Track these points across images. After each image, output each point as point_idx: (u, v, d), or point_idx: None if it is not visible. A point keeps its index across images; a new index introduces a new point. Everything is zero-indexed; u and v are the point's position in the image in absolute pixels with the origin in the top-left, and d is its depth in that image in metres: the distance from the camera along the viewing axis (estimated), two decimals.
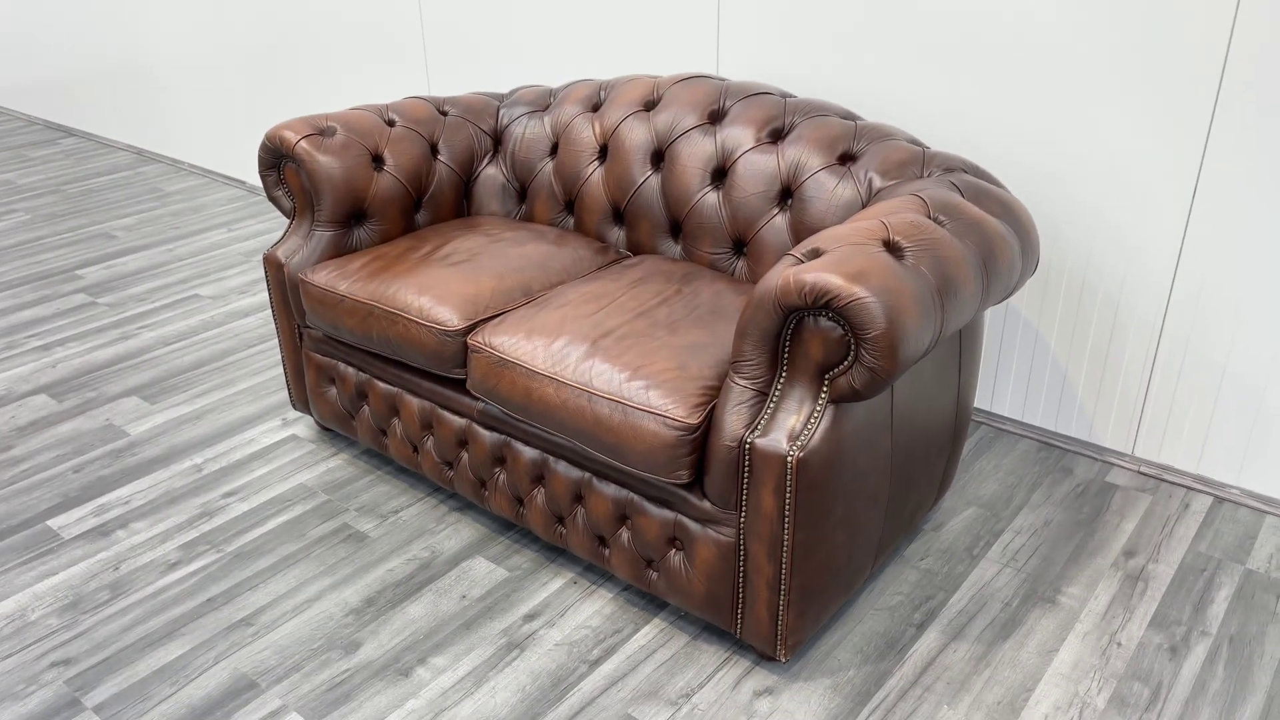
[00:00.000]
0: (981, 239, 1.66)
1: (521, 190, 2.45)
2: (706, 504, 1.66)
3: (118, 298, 3.25)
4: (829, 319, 1.48)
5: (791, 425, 1.54)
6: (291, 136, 2.19)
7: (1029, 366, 2.35)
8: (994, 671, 1.72)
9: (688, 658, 1.77)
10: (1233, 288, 2.02)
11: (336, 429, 2.32)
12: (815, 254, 1.54)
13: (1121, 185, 2.08)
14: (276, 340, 2.52)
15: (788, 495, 1.54)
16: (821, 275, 1.45)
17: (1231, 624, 1.82)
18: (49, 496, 2.24)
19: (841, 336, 1.48)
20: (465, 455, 2.02)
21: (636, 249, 2.26)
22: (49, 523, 2.15)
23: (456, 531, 2.10)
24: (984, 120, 2.20)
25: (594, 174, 2.30)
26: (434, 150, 2.38)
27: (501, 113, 2.49)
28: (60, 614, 1.89)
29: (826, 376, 1.53)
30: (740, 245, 2.11)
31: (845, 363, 1.50)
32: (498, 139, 2.47)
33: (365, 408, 2.21)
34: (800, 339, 1.53)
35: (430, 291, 1.96)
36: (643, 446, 1.63)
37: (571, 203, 2.36)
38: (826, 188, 1.97)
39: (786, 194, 2.04)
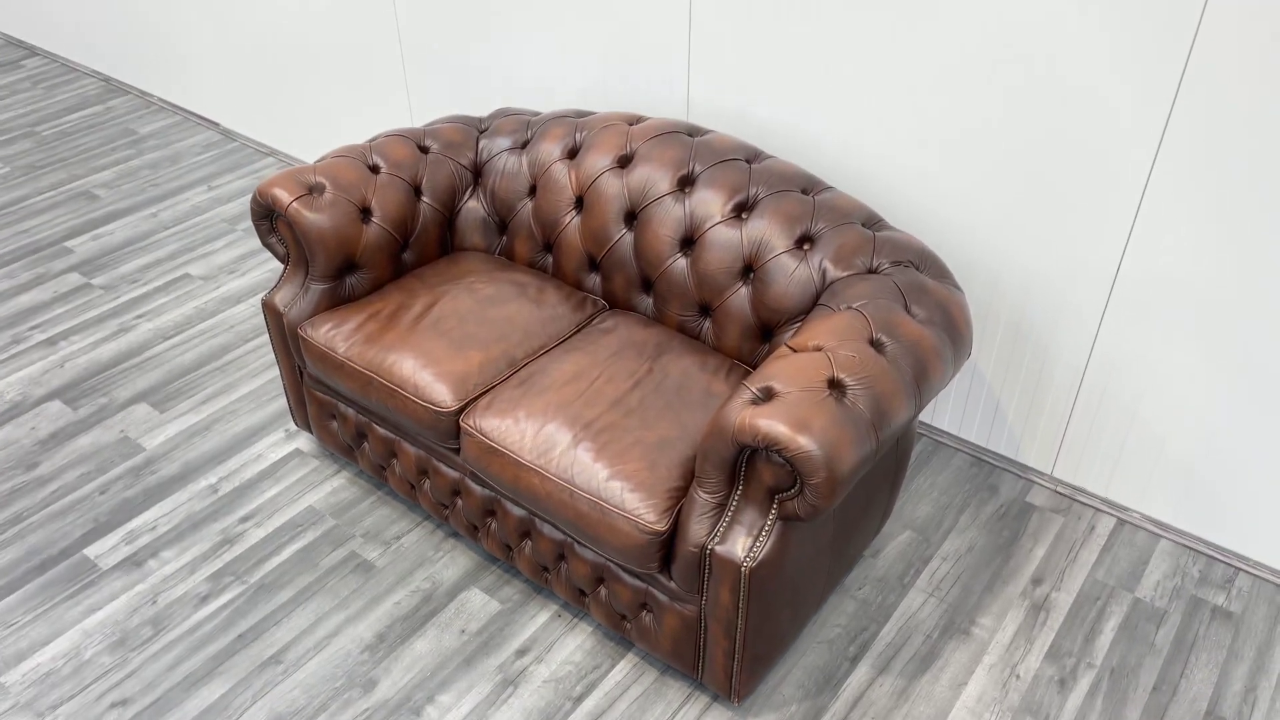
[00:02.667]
0: (917, 362, 1.87)
1: (502, 224, 2.59)
2: (673, 585, 1.93)
3: (110, 279, 3.38)
4: (779, 458, 1.71)
5: (745, 539, 1.80)
6: (284, 197, 2.31)
7: (967, 388, 2.60)
8: (912, 706, 2.06)
9: (657, 693, 2.09)
10: (1149, 349, 2.25)
11: (338, 454, 2.56)
12: (769, 394, 1.75)
13: (1055, 245, 2.27)
14: (275, 364, 2.71)
15: (742, 594, 1.82)
16: (772, 426, 1.67)
17: (1114, 655, 2.16)
18: (81, 522, 2.48)
19: (790, 472, 1.72)
20: (459, 502, 2.28)
21: (612, 299, 2.44)
22: (85, 551, 2.41)
23: (453, 560, 2.38)
24: (932, 181, 2.36)
25: (571, 223, 2.44)
26: (417, 192, 2.50)
27: (481, 145, 2.59)
28: (111, 651, 2.18)
29: (777, 497, 1.78)
30: (706, 309, 2.30)
31: (792, 490, 1.74)
32: (478, 172, 2.59)
33: (366, 445, 2.44)
34: (754, 466, 1.77)
35: (425, 368, 2.16)
36: (618, 542, 1.89)
37: (550, 245, 2.51)
38: (786, 270, 2.15)
39: (749, 268, 2.22)
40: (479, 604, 2.27)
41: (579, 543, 2.06)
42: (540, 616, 2.25)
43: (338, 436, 2.49)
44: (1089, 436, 2.45)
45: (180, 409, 2.83)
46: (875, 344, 1.88)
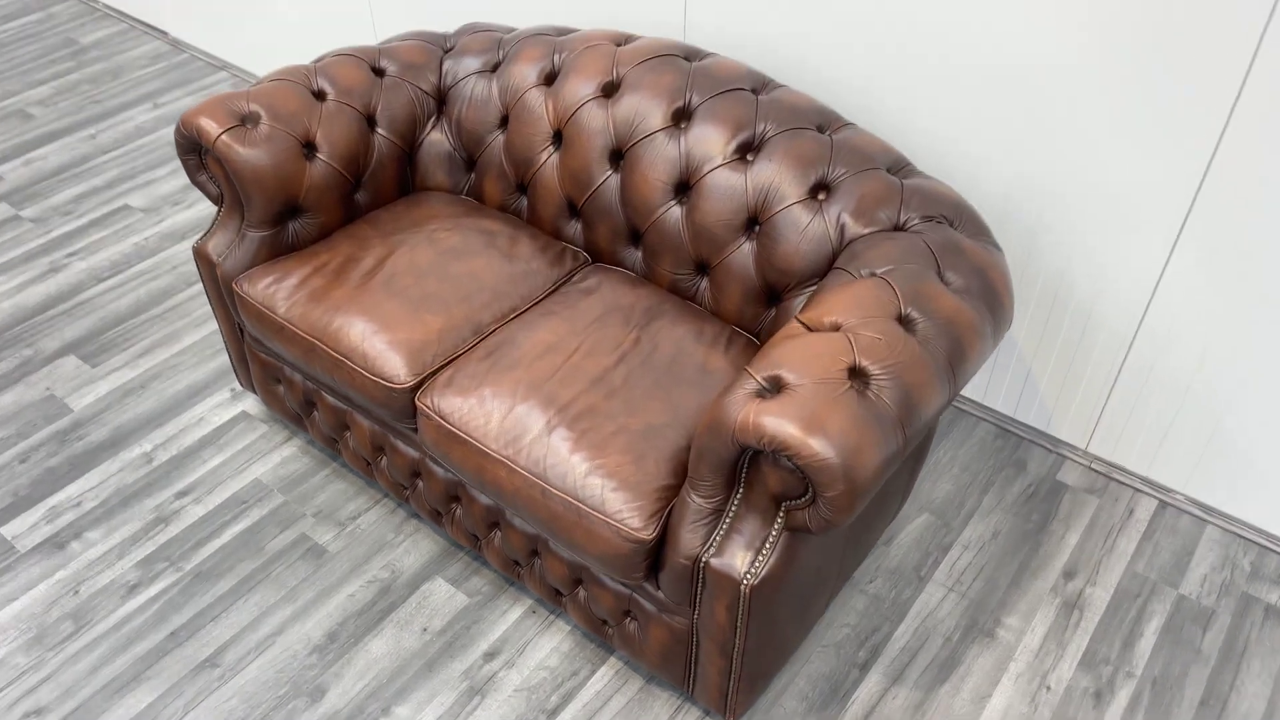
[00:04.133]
0: (952, 343, 1.57)
1: (470, 160, 2.26)
2: (661, 595, 1.67)
3: (41, 210, 3.04)
4: (788, 463, 1.43)
5: (745, 552, 1.53)
6: (211, 129, 1.97)
7: (995, 355, 2.31)
8: None
9: (641, 705, 1.85)
10: (1207, 320, 1.96)
11: (287, 422, 2.27)
12: (777, 384, 1.46)
13: (1108, 205, 1.95)
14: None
15: (740, 612, 1.56)
16: (781, 426, 1.39)
17: (1156, 663, 1.92)
18: None
19: (801, 479, 1.45)
20: (420, 484, 2.00)
21: (595, 252, 2.13)
22: (1, 531, 2.14)
23: (415, 545, 2.11)
24: (972, 121, 2.02)
25: (548, 161, 2.12)
26: (371, 122, 2.16)
27: (445, 68, 2.24)
28: (26, 650, 1.93)
29: (784, 505, 1.50)
30: (703, 267, 1.99)
31: (803, 499, 1.47)
32: (442, 99, 2.25)
33: (316, 414, 2.15)
34: (758, 469, 1.49)
35: (376, 334, 1.86)
36: (597, 550, 1.62)
37: (524, 185, 2.18)
38: (798, 225, 1.84)
39: (754, 221, 1.90)
40: (443, 597, 2.02)
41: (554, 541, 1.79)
42: (512, 613, 1.99)
43: (285, 402, 2.20)
44: (1132, 410, 2.17)
45: (114, 363, 2.53)
46: (904, 320, 1.58)
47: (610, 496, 1.61)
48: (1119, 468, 2.26)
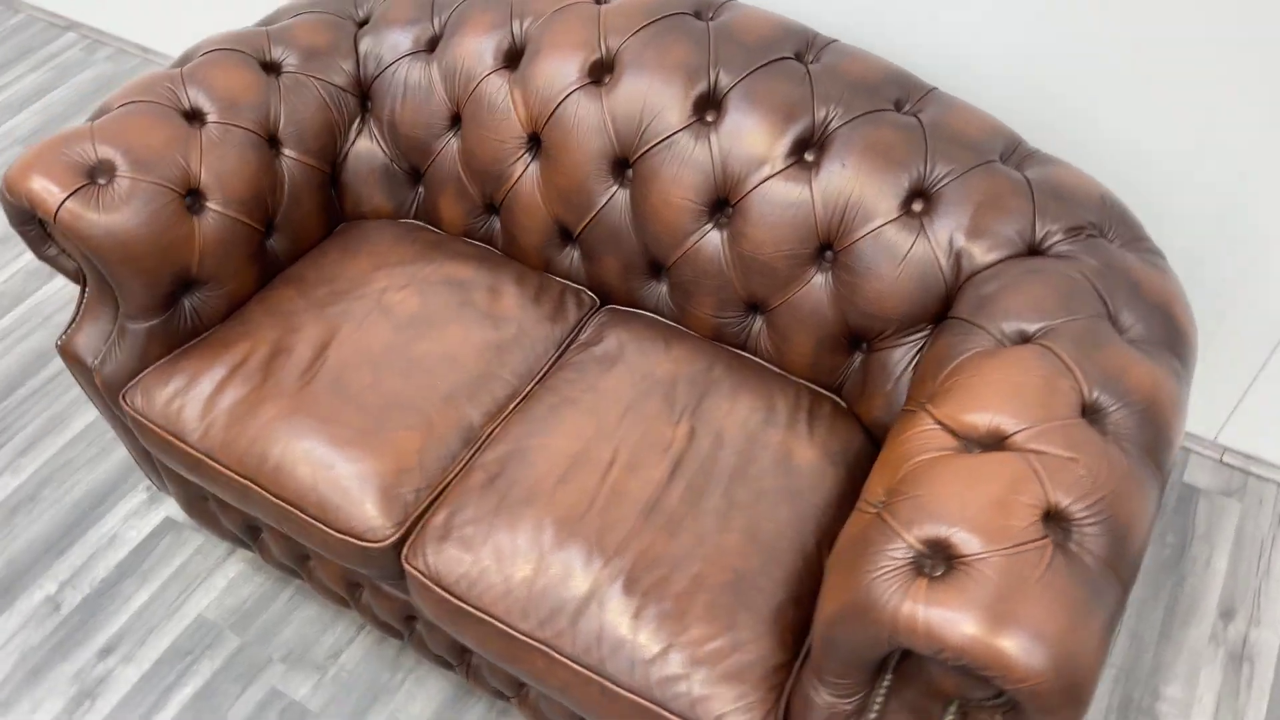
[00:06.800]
0: (1156, 431, 1.12)
1: (414, 171, 1.69)
2: None
3: None
4: (976, 672, 0.99)
5: None
6: (48, 195, 1.38)
7: None
8: None
9: None
10: None
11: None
12: (945, 553, 1.00)
13: (1264, 169, 1.48)
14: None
15: None
16: (964, 636, 0.94)
17: None
18: None
19: (991, 686, 1.01)
20: (419, 628, 1.53)
21: (602, 288, 1.60)
22: None
23: (420, 685, 1.66)
24: (1088, 70, 1.51)
25: (526, 174, 1.57)
26: (273, 143, 1.58)
27: (364, 49, 1.65)
28: None
29: (958, 702, 1.07)
30: (757, 306, 1.49)
31: (993, 702, 1.04)
32: (365, 93, 1.66)
33: (264, 538, 1.65)
34: (925, 670, 1.05)
35: (331, 467, 1.34)
36: None
37: (496, 206, 1.64)
38: (891, 253, 1.34)
39: (826, 247, 1.40)
40: None
41: None
42: None
43: (220, 523, 1.69)
44: (1276, 398, 1.76)
45: None
46: (1090, 412, 1.12)
47: (704, 694, 1.16)
48: (1256, 459, 1.87)
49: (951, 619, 0.96)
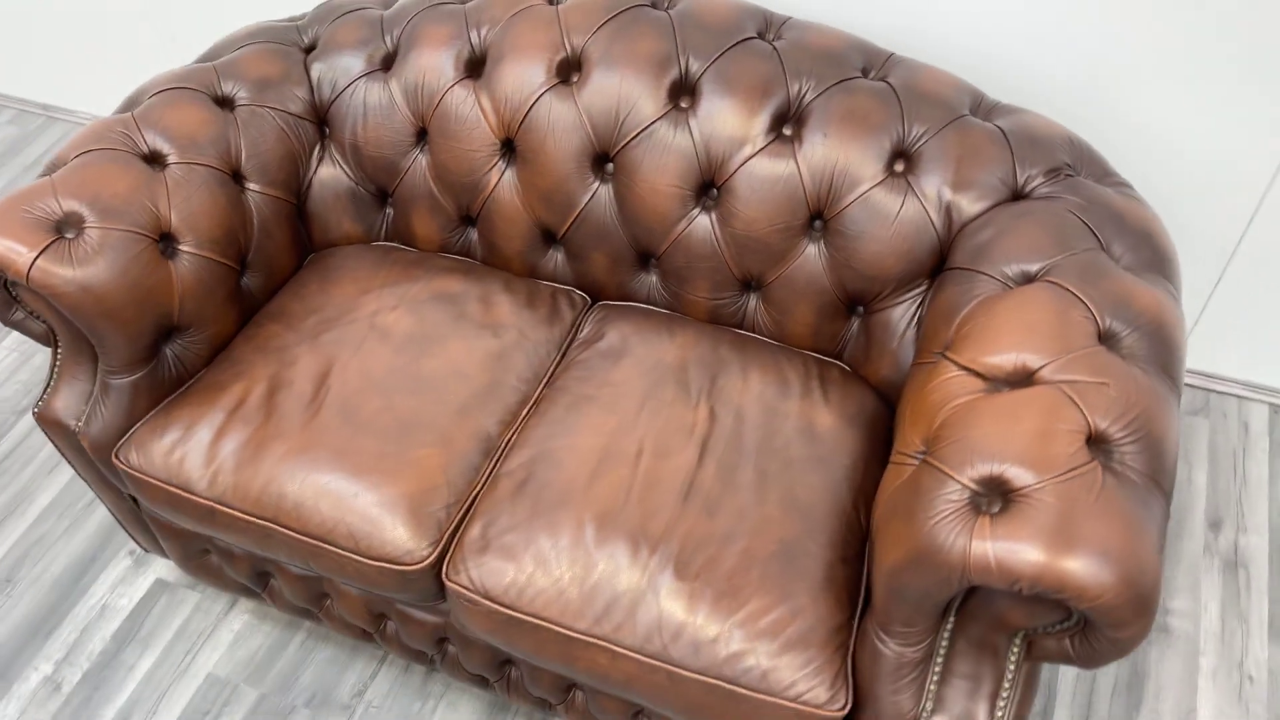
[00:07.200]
0: (1165, 348, 1.17)
1: (381, 193, 1.67)
2: None
3: None
4: (1050, 598, 1.02)
5: (975, 702, 1.13)
6: (17, 256, 1.32)
7: None
8: None
9: None
10: None
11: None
12: (1002, 489, 1.03)
13: (1205, 92, 1.57)
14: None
15: None
16: (1035, 564, 0.97)
17: None
18: None
19: (1062, 608, 1.05)
20: (451, 649, 1.51)
21: (591, 286, 1.61)
22: None
23: (453, 709, 1.63)
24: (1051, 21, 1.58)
25: (503, 181, 1.56)
26: (238, 178, 1.54)
27: (316, 74, 1.62)
28: None
29: (1024, 633, 1.11)
30: (751, 283, 1.51)
31: (1063, 626, 1.07)
32: (322, 119, 1.63)
33: (275, 583, 1.60)
34: (992, 605, 1.08)
35: (355, 496, 1.32)
36: None
37: (473, 217, 1.62)
38: (883, 214, 1.37)
39: (817, 217, 1.43)
40: None
41: None
42: None
43: (223, 574, 1.63)
44: (1233, 319, 1.86)
45: None
46: (1106, 339, 1.17)
47: (772, 665, 1.17)
48: (1216, 376, 1.97)
49: (1019, 550, 0.99)
